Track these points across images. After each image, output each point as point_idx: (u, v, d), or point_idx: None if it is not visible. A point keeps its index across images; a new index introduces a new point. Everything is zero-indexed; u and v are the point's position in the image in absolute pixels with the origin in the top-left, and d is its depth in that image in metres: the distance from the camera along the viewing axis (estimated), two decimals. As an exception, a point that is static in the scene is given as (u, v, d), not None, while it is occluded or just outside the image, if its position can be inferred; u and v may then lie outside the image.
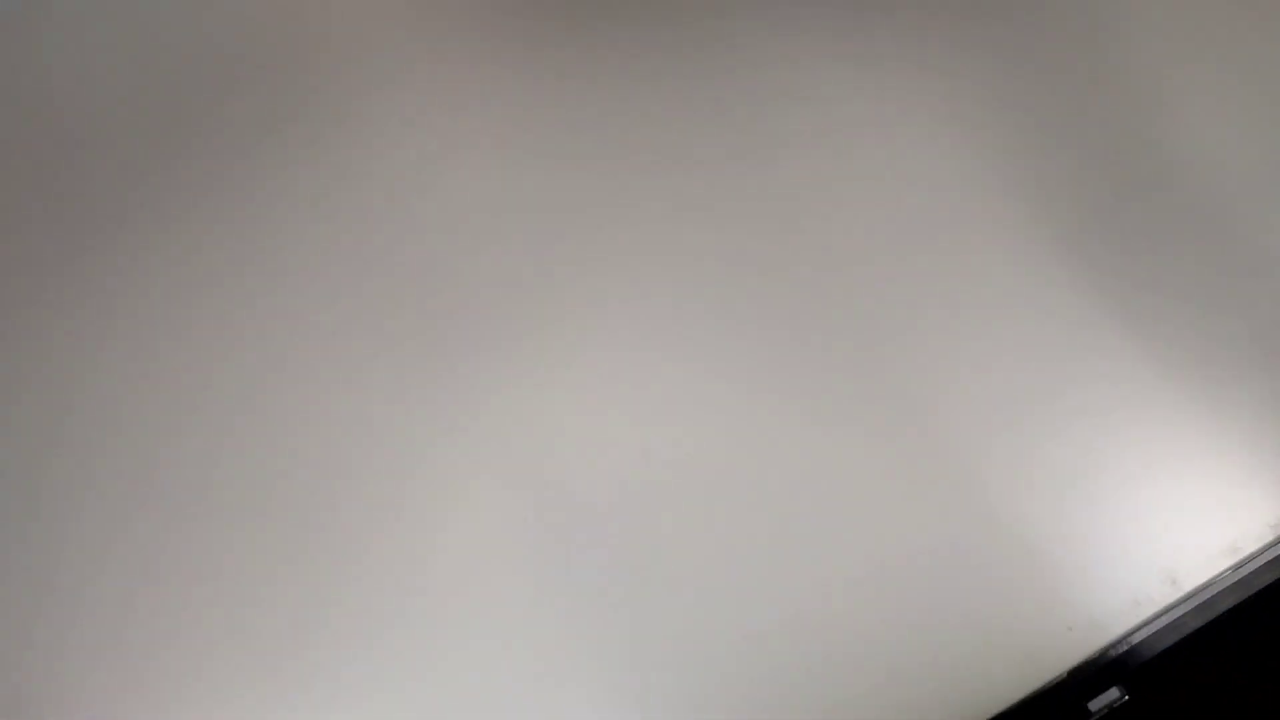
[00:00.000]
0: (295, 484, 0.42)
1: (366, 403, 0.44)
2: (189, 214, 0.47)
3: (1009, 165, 0.50)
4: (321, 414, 0.44)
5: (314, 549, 0.42)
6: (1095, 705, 0.42)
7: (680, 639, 0.41)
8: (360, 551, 0.42)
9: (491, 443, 0.44)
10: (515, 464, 0.43)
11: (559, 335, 0.46)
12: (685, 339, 0.46)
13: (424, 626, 0.41)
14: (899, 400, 0.46)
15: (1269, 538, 0.44)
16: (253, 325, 0.45)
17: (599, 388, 0.45)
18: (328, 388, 0.44)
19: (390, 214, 0.47)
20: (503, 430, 0.44)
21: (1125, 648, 0.43)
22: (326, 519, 0.42)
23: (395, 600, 0.41)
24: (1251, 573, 0.44)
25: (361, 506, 0.42)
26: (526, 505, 0.43)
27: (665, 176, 0.49)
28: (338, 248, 0.47)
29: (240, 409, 0.44)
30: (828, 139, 0.51)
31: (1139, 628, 0.43)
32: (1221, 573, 0.43)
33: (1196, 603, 0.43)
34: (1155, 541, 0.44)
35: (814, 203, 0.49)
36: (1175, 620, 0.43)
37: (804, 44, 0.52)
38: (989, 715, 0.41)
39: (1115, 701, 0.42)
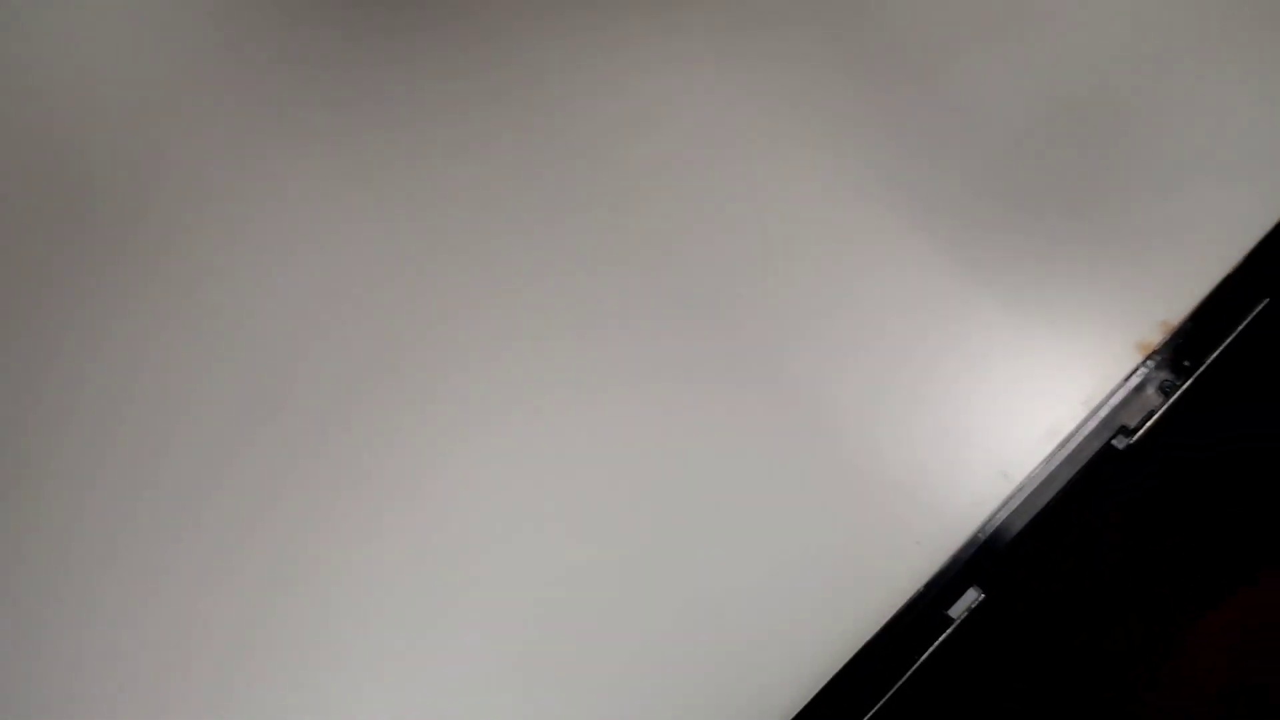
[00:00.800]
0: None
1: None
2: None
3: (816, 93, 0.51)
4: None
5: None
6: (956, 611, 0.43)
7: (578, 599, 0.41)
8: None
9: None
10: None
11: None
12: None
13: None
14: (723, 352, 0.46)
15: (1082, 415, 0.46)
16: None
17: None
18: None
19: (226, 321, 0.46)
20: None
21: (974, 548, 0.44)
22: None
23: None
24: (1074, 449, 0.46)
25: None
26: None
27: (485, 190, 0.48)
28: (187, 365, 0.45)
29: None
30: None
31: (983, 526, 0.44)
32: (1048, 457, 0.45)
33: (1030, 490, 0.45)
34: (981, 441, 0.45)
35: (640, 190, 0.49)
36: (1015, 510, 0.45)
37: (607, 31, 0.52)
38: (856, 648, 0.41)
39: (974, 602, 0.43)
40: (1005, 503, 0.44)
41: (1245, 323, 0.48)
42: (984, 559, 0.44)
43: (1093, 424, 0.46)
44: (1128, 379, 0.46)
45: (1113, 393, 0.46)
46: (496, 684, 0.41)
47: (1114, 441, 0.47)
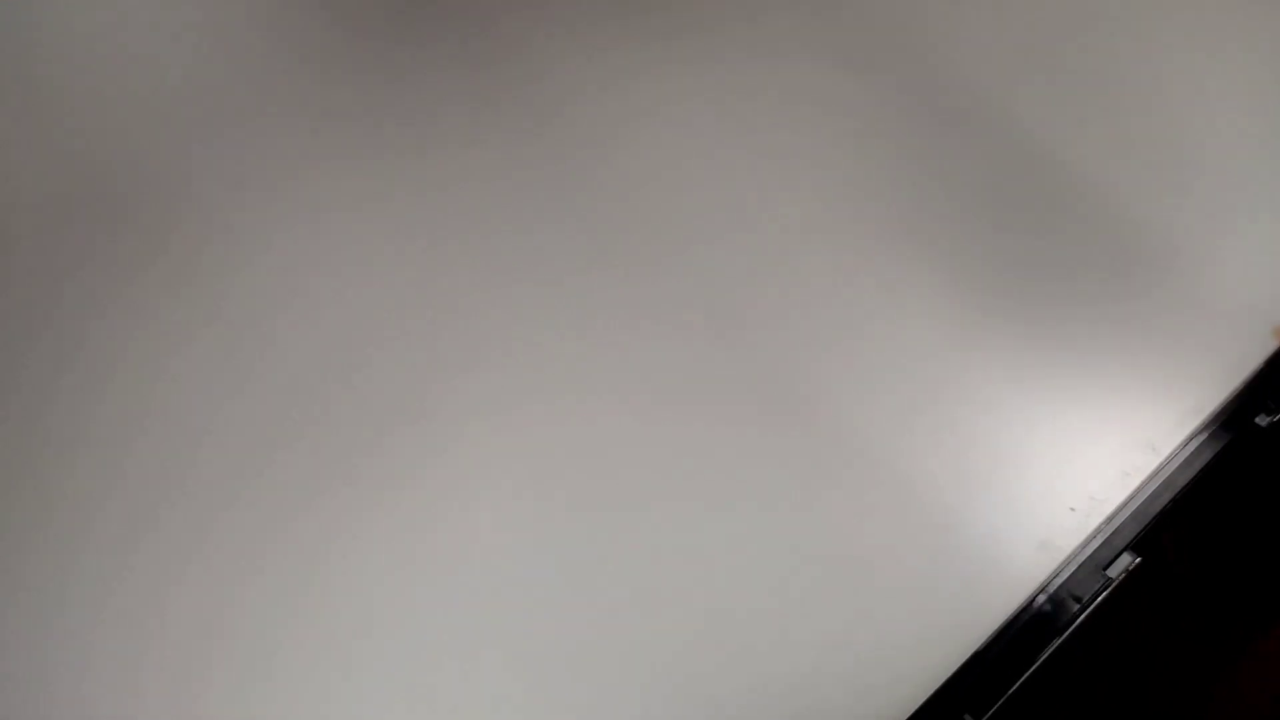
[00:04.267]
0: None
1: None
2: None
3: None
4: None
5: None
6: (1113, 572, 0.46)
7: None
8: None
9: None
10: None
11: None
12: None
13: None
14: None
15: (1224, 394, 0.48)
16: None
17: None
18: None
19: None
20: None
21: (1126, 515, 0.47)
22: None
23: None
24: (1220, 426, 0.48)
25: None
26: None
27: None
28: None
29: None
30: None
31: (1134, 495, 0.47)
32: (1194, 431, 0.48)
33: (1179, 461, 0.48)
34: (1129, 417, 0.48)
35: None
36: (1165, 481, 0.47)
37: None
38: (1020, 600, 0.44)
39: (1130, 565, 0.46)
40: (1155, 474, 0.47)
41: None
42: (1136, 525, 0.47)
43: (1234, 402, 0.49)
44: (1267, 361, 0.49)
45: (1253, 374, 0.49)
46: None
47: (1256, 419, 0.49)
